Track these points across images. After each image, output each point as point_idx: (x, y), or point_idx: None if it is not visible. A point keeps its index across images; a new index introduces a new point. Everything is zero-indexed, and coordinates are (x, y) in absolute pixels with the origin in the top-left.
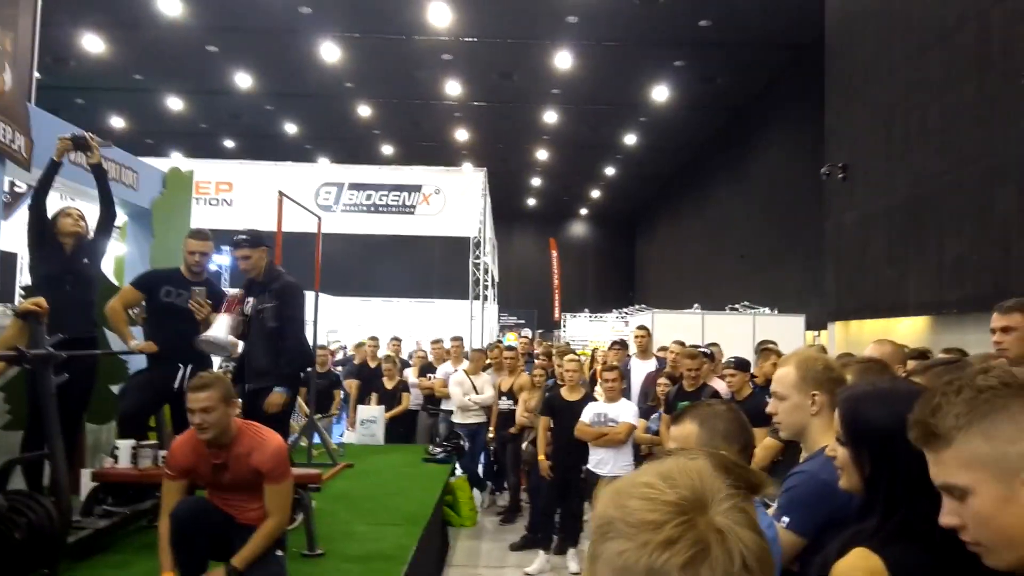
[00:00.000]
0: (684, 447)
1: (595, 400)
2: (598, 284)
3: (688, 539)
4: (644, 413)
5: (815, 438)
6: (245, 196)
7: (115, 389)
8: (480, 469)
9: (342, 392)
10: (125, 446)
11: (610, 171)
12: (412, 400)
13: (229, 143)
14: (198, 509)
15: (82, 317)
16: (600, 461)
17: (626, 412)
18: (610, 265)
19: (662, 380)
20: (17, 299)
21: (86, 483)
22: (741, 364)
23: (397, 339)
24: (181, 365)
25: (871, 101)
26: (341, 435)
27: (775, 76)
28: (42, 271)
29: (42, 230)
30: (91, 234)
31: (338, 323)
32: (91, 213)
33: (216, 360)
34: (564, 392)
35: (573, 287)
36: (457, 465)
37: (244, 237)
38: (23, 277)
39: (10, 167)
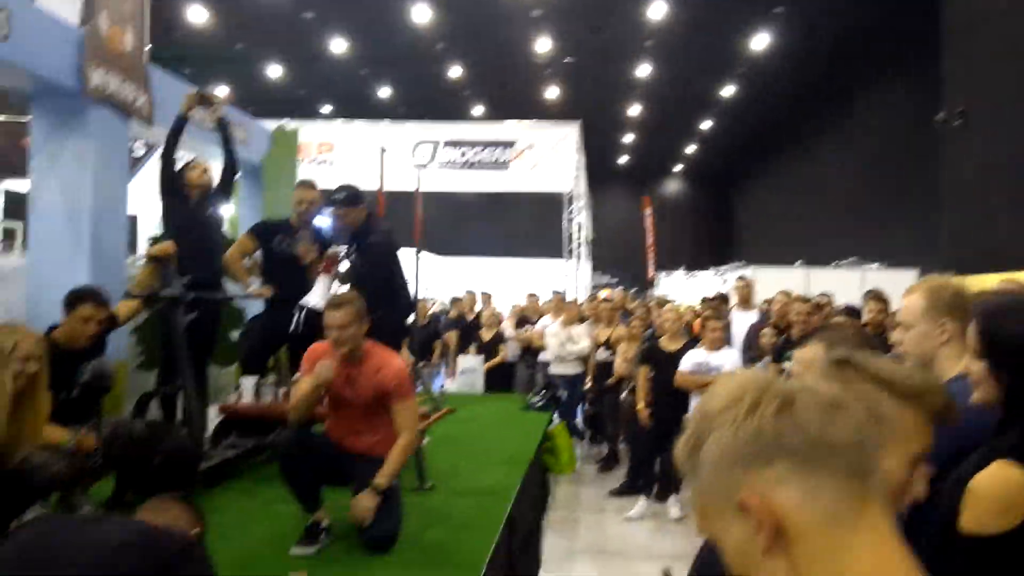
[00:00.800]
0: (809, 371)
1: (695, 349)
2: (694, 242)
3: (771, 394)
4: (746, 364)
5: (943, 367)
6: (345, 156)
7: (234, 335)
8: (578, 419)
9: (441, 344)
10: (248, 383)
11: (706, 125)
12: (510, 352)
13: (326, 108)
14: (305, 438)
15: (207, 262)
16: None
17: (729, 360)
18: (706, 223)
19: (766, 331)
20: (146, 247)
21: (212, 419)
22: (851, 311)
23: (487, 294)
24: (297, 310)
25: (993, 45)
26: (441, 385)
27: (880, 20)
28: (171, 220)
29: (171, 182)
30: (215, 185)
31: (431, 282)
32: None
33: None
34: (663, 342)
35: (668, 246)
36: (555, 415)
37: (341, 196)
38: (141, 236)
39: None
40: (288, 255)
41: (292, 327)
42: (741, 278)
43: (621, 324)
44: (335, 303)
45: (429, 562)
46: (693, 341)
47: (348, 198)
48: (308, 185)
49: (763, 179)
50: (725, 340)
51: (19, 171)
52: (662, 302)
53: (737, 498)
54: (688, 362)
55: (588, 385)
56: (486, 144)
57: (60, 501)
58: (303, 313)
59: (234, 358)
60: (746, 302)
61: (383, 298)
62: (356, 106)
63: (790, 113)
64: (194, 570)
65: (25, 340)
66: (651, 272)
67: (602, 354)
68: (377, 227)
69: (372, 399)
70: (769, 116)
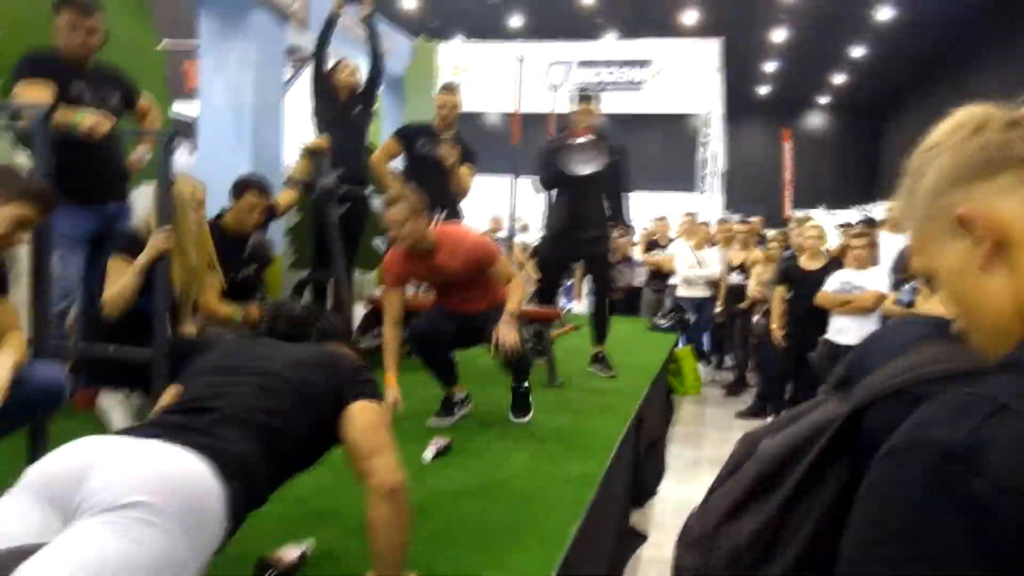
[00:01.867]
0: None
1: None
2: (836, 179)
3: (1000, 113)
4: (894, 286)
5: None
6: (480, 78)
7: (376, 241)
8: (705, 343)
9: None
10: None
11: (858, 52)
12: (636, 276)
13: (459, 40)
14: (434, 315)
15: (355, 160)
16: (842, 329)
17: (876, 280)
18: (851, 158)
19: None
20: (300, 146)
21: (357, 316)
22: None
23: None
24: (437, 210)
25: None
26: (568, 307)
27: None
28: (321, 118)
29: (322, 81)
30: (362, 86)
31: None
32: None
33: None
34: (803, 261)
35: (806, 183)
36: (681, 338)
37: (585, 92)
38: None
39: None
40: (431, 158)
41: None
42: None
43: (757, 249)
44: (389, 200)
45: (561, 442)
46: (835, 262)
47: (590, 95)
48: (451, 89)
49: (919, 112)
50: (873, 260)
51: (182, 94)
52: (803, 220)
53: (955, 214)
54: (834, 282)
55: (719, 309)
56: (621, 63)
57: None
58: (442, 214)
59: (376, 263)
60: (895, 225)
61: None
62: (489, 35)
63: (954, 37)
64: (369, 376)
65: (200, 188)
66: (787, 210)
67: (735, 278)
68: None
69: (467, 274)
70: (930, 40)
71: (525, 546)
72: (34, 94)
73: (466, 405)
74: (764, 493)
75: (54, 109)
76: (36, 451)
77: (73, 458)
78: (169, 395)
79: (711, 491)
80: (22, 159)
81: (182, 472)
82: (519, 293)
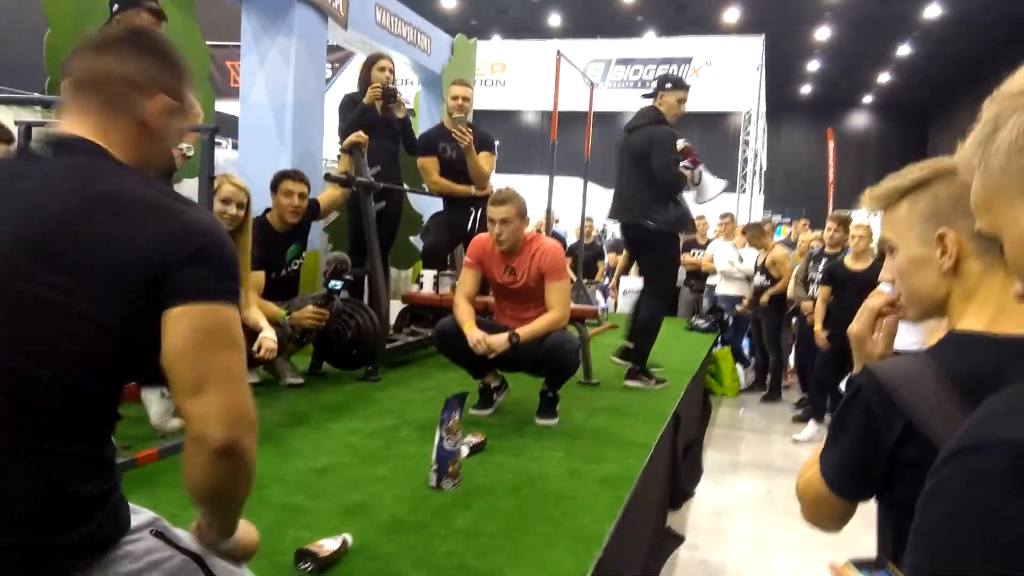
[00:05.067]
0: None
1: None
2: (879, 181)
3: None
4: None
5: None
6: (518, 76)
7: (413, 239)
8: (744, 345)
9: (605, 263)
10: (429, 275)
11: (904, 51)
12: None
13: (497, 38)
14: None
15: (390, 162)
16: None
17: None
18: (896, 160)
19: None
20: (337, 147)
21: (393, 310)
22: None
23: None
24: (473, 209)
25: None
26: (603, 307)
27: None
28: (357, 121)
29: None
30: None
31: (596, 212)
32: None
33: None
34: (848, 261)
35: (849, 184)
36: (720, 338)
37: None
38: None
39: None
40: (457, 160)
41: (469, 225)
42: None
43: (778, 247)
44: (498, 199)
45: (597, 442)
46: (882, 262)
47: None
48: (463, 82)
49: (967, 113)
50: None
51: (225, 93)
52: (844, 219)
53: None
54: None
55: (741, 309)
56: (660, 61)
57: (265, 367)
58: (478, 212)
59: (412, 260)
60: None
61: None
62: (527, 35)
63: (1004, 35)
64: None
65: (228, 184)
66: (829, 212)
67: (758, 279)
68: None
69: (532, 283)
70: (979, 39)
71: (561, 544)
72: None
73: (504, 391)
74: None
75: None
76: None
77: None
78: None
79: None
80: None
81: None
82: (545, 325)
